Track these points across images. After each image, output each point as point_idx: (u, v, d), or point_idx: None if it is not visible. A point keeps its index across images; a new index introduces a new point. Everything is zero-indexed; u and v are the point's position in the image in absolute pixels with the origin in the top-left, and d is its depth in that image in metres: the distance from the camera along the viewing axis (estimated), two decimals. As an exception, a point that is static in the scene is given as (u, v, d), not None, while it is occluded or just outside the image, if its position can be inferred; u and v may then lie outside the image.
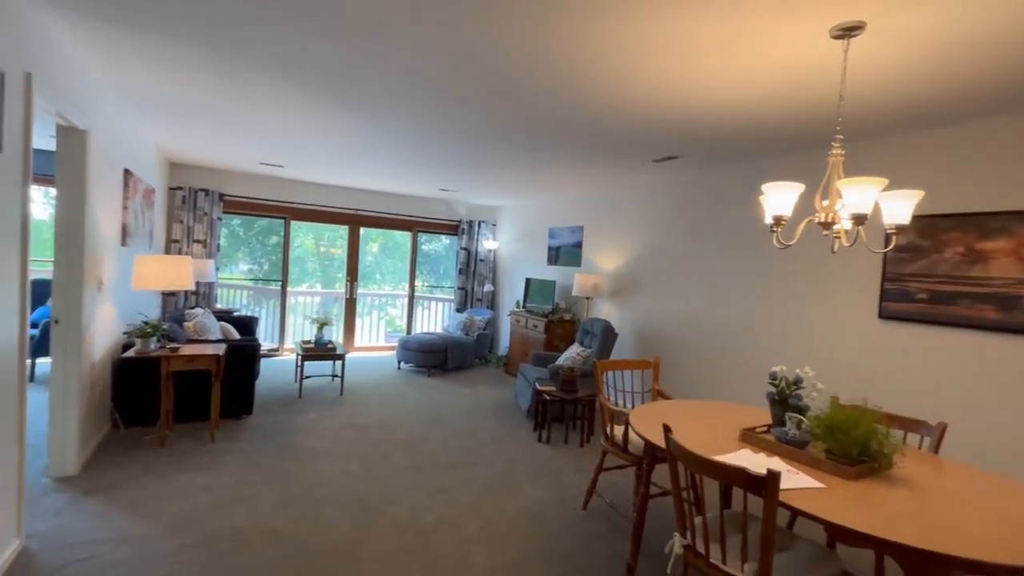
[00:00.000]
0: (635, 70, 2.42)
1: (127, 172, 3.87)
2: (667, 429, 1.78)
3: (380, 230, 8.74)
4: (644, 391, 3.85)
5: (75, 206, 2.92)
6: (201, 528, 2.53)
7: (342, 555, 2.39)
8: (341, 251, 10.06)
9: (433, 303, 8.39)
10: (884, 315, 3.17)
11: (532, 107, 3.06)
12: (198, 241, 6.12)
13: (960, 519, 1.49)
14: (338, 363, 6.24)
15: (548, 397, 4.07)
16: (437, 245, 10.37)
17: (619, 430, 2.90)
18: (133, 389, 3.75)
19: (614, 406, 2.81)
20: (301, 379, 5.02)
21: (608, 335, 4.73)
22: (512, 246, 7.72)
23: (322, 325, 5.27)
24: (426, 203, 7.67)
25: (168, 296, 6.04)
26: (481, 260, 7.94)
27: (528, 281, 6.70)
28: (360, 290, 7.55)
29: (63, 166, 2.89)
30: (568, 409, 4.32)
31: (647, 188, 5.12)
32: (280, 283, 6.92)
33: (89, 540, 2.36)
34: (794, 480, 1.70)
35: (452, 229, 7.95)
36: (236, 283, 7.34)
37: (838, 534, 1.47)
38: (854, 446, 1.78)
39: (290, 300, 7.10)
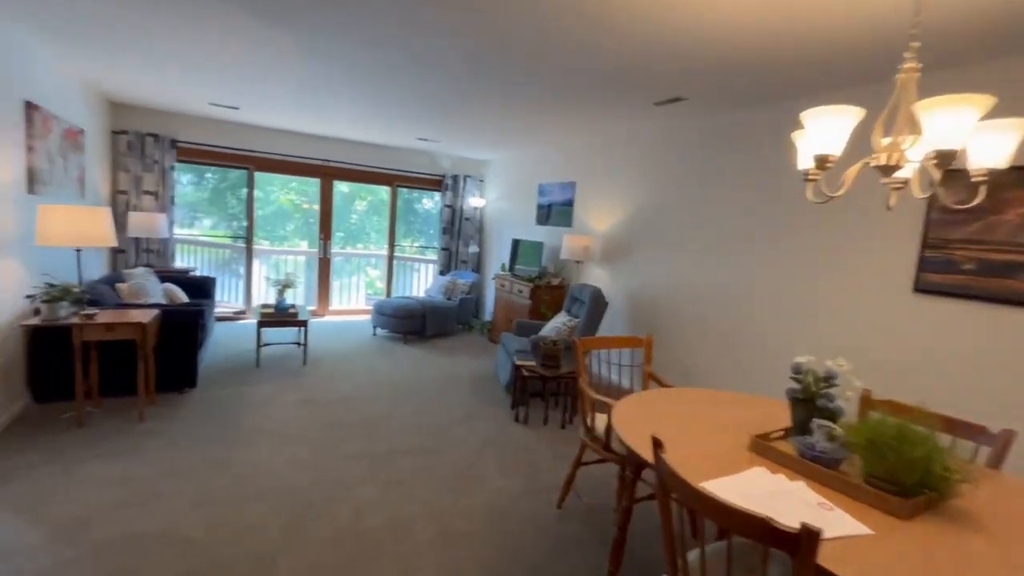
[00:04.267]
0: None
1: (30, 105, 3.25)
2: (657, 445, 1.31)
3: (366, 186, 8.13)
4: (636, 364, 3.39)
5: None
6: (93, 535, 2.10)
7: (257, 570, 1.97)
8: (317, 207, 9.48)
9: (422, 265, 7.86)
10: (920, 287, 2.68)
11: (508, 25, 2.44)
12: (148, 192, 5.51)
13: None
14: (303, 330, 5.76)
15: (527, 373, 3.62)
16: (429, 204, 9.76)
17: (602, 420, 2.45)
18: (49, 360, 3.28)
19: (595, 393, 2.35)
20: (259, 347, 4.56)
21: (597, 303, 4.24)
22: (500, 204, 7.13)
23: (284, 288, 4.76)
24: (407, 155, 7.01)
25: (118, 253, 5.50)
26: (466, 219, 7.36)
27: (516, 243, 6.16)
28: (337, 250, 6.99)
29: (-89, 88, 2.29)
30: (550, 385, 3.89)
31: (647, 137, 4.51)
32: (245, 240, 6.36)
33: (-53, 553, 1.93)
34: (830, 521, 1.25)
35: (435, 184, 7.32)
36: (198, 240, 6.77)
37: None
38: (910, 471, 1.31)
39: (259, 260, 6.56)
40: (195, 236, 6.90)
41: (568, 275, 5.55)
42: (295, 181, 9.41)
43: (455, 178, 7.25)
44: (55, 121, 3.66)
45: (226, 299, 6.55)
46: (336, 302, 7.18)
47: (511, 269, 6.13)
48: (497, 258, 7.12)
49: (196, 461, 2.77)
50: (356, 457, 2.97)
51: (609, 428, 2.24)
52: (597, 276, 5.10)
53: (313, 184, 6.91)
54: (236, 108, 5.08)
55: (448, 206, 7.26)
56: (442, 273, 7.29)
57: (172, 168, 5.61)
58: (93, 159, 4.66)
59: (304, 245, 9.65)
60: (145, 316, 3.17)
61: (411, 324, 5.78)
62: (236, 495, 2.47)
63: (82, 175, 4.29)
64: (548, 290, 5.38)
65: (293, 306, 4.83)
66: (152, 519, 2.23)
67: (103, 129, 5.04)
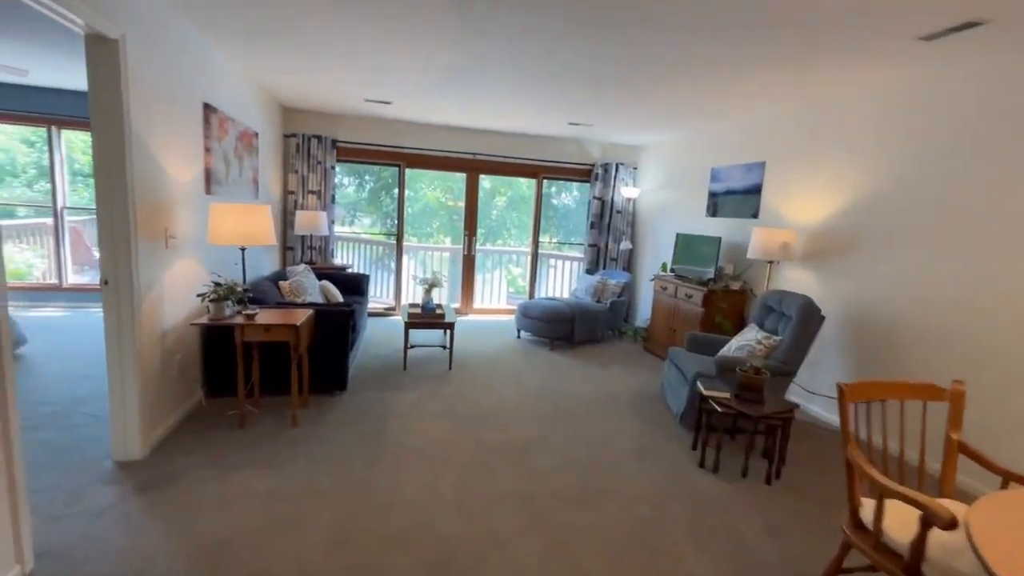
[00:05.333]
0: None
1: (207, 106, 3.34)
2: None
3: (506, 179, 7.86)
4: (914, 428, 2.38)
5: (112, 139, 2.35)
6: (228, 566, 1.87)
7: (400, 665, 1.54)
8: (463, 203, 9.50)
9: (561, 262, 7.33)
10: None
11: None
12: (312, 192, 5.76)
13: None
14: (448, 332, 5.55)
15: (719, 408, 2.80)
16: (567, 198, 9.21)
17: (893, 514, 1.58)
18: (219, 357, 3.35)
19: (894, 483, 1.50)
20: (406, 348, 4.38)
21: (809, 319, 3.23)
22: (657, 194, 6.24)
23: (430, 287, 4.54)
24: (554, 144, 6.49)
25: (288, 250, 5.85)
26: (618, 212, 6.60)
27: (680, 238, 5.26)
28: (480, 246, 6.76)
29: (94, 90, 2.31)
30: (746, 423, 3.02)
31: (893, 92, 3.33)
32: (395, 237, 6.41)
33: (101, 574, 1.82)
34: None
35: (583, 175, 6.69)
36: (354, 237, 7.05)
37: None
38: None
39: (407, 256, 6.59)
40: (353, 233, 7.21)
41: (751, 278, 4.51)
42: (440, 178, 9.57)
43: (605, 167, 6.54)
44: (231, 123, 3.78)
45: (378, 294, 6.69)
46: (478, 300, 6.96)
47: (672, 269, 5.25)
48: (651, 256, 6.26)
49: (339, 480, 2.51)
50: (508, 497, 2.48)
51: (879, 514, 1.38)
52: (797, 281, 4.01)
53: (458, 180, 6.80)
54: (388, 103, 5.00)
55: (597, 198, 6.58)
56: (589, 272, 6.65)
57: (333, 167, 5.79)
58: (266, 161, 4.90)
59: (447, 242, 9.78)
60: (299, 317, 3.05)
61: (559, 329, 5.24)
62: (375, 534, 2.12)
63: (256, 176, 4.49)
64: (725, 296, 4.42)
65: (440, 306, 4.58)
66: (287, 557, 1.95)
67: (276, 132, 5.33)
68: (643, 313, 6.26)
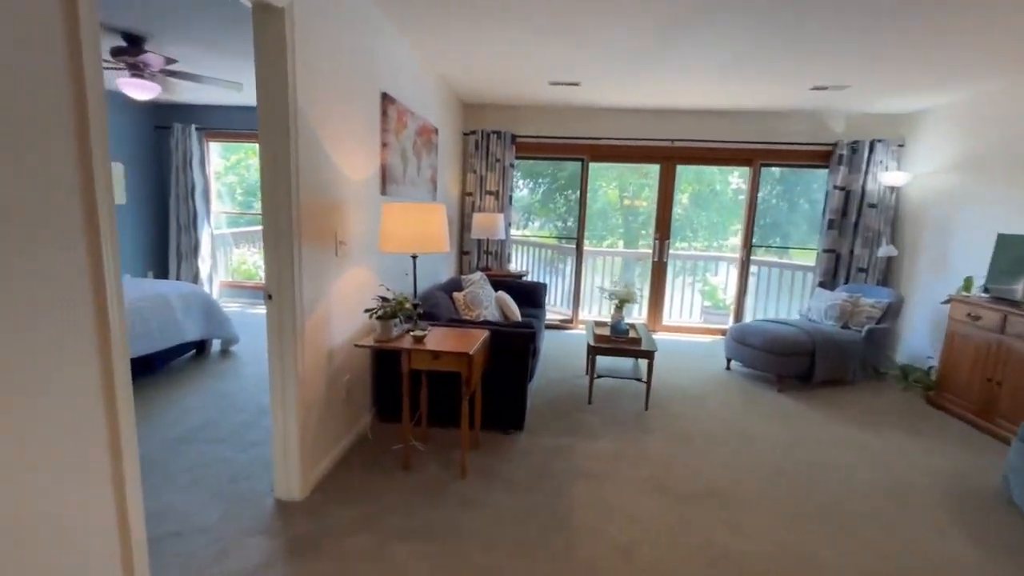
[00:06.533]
0: None
1: (386, 96, 2.97)
2: None
3: (694, 170, 6.60)
4: None
5: (276, 124, 1.99)
6: None
7: None
8: (648, 202, 8.45)
9: (767, 271, 5.81)
10: None
11: None
12: (490, 193, 5.35)
13: None
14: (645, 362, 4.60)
15: None
16: (765, 190, 7.47)
17: None
18: (388, 378, 2.97)
19: None
20: (592, 378, 3.57)
21: None
22: (940, 180, 4.39)
23: (621, 303, 3.67)
24: (778, 121, 5.07)
25: (464, 255, 5.55)
26: (870, 206, 4.88)
27: (1004, 241, 3.48)
28: (676, 250, 5.66)
29: (260, 70, 1.96)
30: None
31: None
32: (575, 241, 5.68)
33: None
34: None
35: (819, 159, 5.11)
36: (526, 240, 6.54)
37: None
38: None
39: (587, 261, 5.82)
40: (526, 237, 6.72)
41: None
42: (617, 173, 8.63)
43: (854, 145, 4.88)
44: (410, 116, 3.42)
45: (551, 302, 6.06)
46: (667, 315, 5.85)
47: (991, 288, 3.49)
48: (929, 266, 4.43)
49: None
50: None
51: None
52: None
53: (636, 177, 5.84)
54: (576, 84, 4.26)
55: (839, 188, 4.95)
56: (823, 284, 5.05)
57: (512, 165, 5.30)
58: (445, 160, 4.58)
59: (620, 245, 8.80)
60: (472, 342, 2.45)
61: (791, 364, 3.91)
62: None
63: (434, 176, 4.15)
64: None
65: (633, 327, 3.69)
66: None
67: (455, 130, 5.01)
68: (912, 346, 4.48)
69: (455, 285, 3.82)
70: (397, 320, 2.50)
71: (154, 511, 2.09)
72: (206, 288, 5.87)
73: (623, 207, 9.37)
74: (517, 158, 5.41)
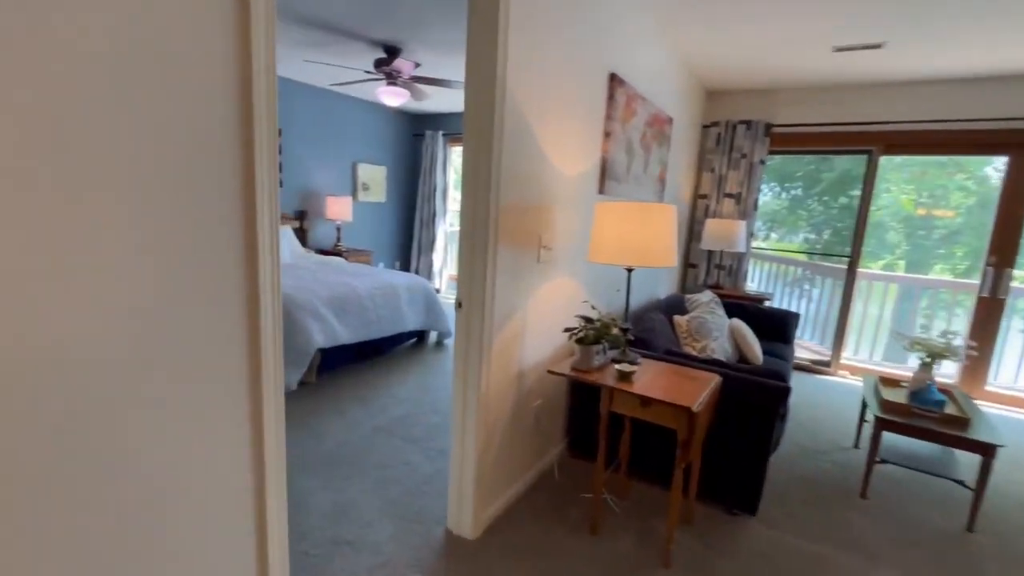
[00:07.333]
0: None
1: (614, 77, 2.51)
2: None
3: (963, 164, 4.36)
4: None
5: (482, 112, 1.70)
6: None
7: None
8: (962, 212, 6.16)
9: None
10: None
11: None
12: (730, 196, 4.43)
13: None
14: (970, 458, 3.12)
15: None
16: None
17: None
18: (584, 409, 2.51)
19: None
20: (871, 461, 2.47)
21: None
22: None
23: (932, 359, 2.46)
24: None
25: (689, 267, 4.75)
26: None
27: None
28: (968, 279, 3.80)
29: (471, 46, 1.70)
30: None
31: None
32: (848, 259, 4.31)
33: None
34: None
35: None
36: (766, 254, 5.32)
37: None
38: None
39: (859, 285, 4.38)
40: (765, 250, 5.50)
41: None
42: (918, 171, 6.43)
43: None
44: (641, 103, 2.90)
45: (799, 335, 4.77)
46: (992, 374, 3.98)
47: None
48: None
49: None
50: None
51: None
52: None
53: (943, 175, 4.06)
54: (878, 46, 3.10)
55: None
56: None
57: (762, 162, 4.29)
58: (677, 155, 3.90)
59: (900, 268, 6.59)
60: (697, 393, 1.80)
61: None
62: None
63: (663, 174, 3.53)
64: None
65: (951, 398, 2.45)
66: None
67: (693, 121, 4.26)
68: None
69: (677, 306, 3.15)
70: (601, 346, 2.02)
71: (338, 507, 2.08)
72: (436, 280, 6.41)
73: (915, 217, 7.05)
74: (770, 153, 4.35)
